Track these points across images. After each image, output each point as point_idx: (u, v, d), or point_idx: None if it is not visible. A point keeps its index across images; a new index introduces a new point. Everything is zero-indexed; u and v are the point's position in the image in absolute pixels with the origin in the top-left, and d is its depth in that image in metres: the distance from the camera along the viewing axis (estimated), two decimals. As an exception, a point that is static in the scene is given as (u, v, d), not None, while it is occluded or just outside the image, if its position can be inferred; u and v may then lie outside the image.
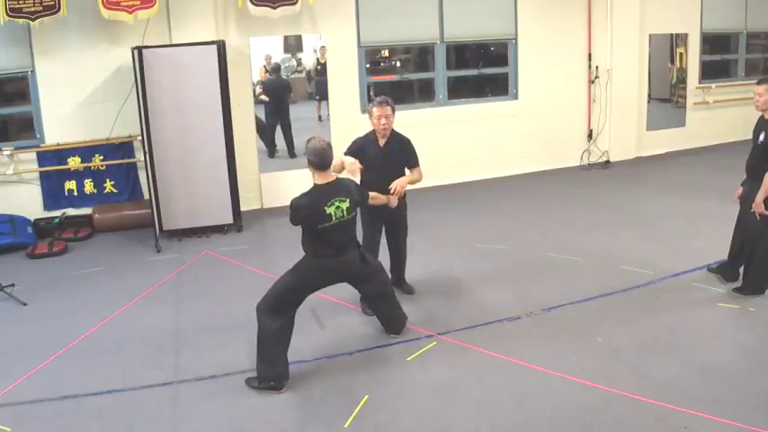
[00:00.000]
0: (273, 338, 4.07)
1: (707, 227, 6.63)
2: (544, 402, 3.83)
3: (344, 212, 4.09)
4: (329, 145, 4.10)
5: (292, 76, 8.39)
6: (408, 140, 5.12)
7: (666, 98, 10.28)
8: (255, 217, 7.83)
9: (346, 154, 4.92)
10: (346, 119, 8.05)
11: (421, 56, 9.20)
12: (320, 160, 4.05)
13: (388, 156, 5.00)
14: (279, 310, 4.09)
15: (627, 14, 9.40)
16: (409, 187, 5.17)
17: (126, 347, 4.71)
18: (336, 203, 4.06)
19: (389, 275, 5.03)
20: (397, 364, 4.37)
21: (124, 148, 7.64)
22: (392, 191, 4.89)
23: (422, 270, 5.76)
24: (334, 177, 4.18)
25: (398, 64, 9.08)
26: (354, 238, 4.29)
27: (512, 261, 6.09)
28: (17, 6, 6.70)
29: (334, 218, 4.05)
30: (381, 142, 5.02)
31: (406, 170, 5.14)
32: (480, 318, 4.93)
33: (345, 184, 4.24)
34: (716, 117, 10.43)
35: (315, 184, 4.12)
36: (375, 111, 4.93)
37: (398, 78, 8.92)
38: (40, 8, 6.77)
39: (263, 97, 8.18)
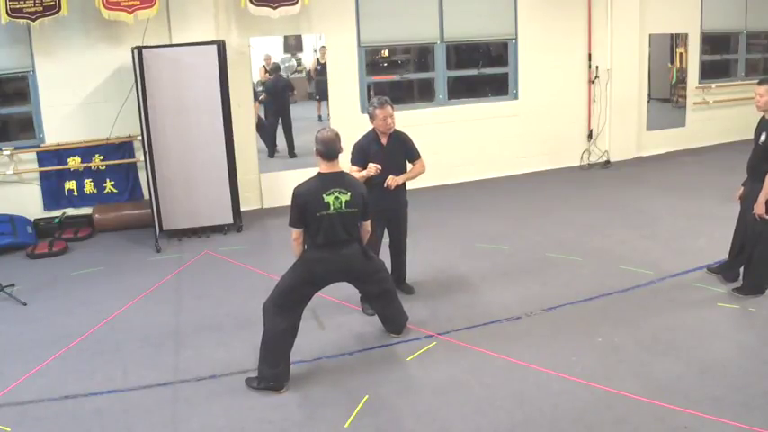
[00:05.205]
0: (278, 339, 4.07)
1: (707, 227, 6.63)
2: (544, 402, 3.83)
3: (343, 204, 4.07)
4: (337, 136, 4.12)
5: (292, 76, 8.40)
6: (406, 135, 5.19)
7: (666, 98, 10.28)
8: (255, 217, 7.83)
9: (353, 162, 4.95)
10: (346, 119, 8.04)
11: (421, 56, 9.20)
12: (327, 150, 4.07)
13: (390, 153, 5.03)
14: (285, 310, 4.09)
15: (627, 14, 9.40)
16: (411, 183, 5.20)
17: (126, 347, 4.71)
18: (336, 194, 4.06)
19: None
20: (397, 364, 4.37)
21: (124, 148, 7.64)
22: (386, 185, 4.96)
23: (422, 270, 5.76)
24: (340, 169, 4.17)
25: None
26: (356, 233, 4.25)
27: (512, 261, 6.09)
28: (18, 7, 6.70)
29: (332, 207, 4.04)
30: (383, 140, 5.04)
31: (408, 165, 5.20)
32: (480, 318, 4.93)
33: (350, 179, 4.24)
34: (716, 117, 10.43)
35: (318, 173, 4.13)
36: (378, 113, 4.95)
37: (398, 78, 8.92)
38: (41, 8, 6.77)
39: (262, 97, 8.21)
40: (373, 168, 4.85)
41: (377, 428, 3.69)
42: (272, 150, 8.36)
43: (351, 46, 8.38)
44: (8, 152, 7.24)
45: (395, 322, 4.70)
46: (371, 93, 8.51)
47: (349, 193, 4.10)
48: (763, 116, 4.96)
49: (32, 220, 7.35)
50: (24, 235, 7.01)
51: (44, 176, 7.47)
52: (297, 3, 7.55)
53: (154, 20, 7.20)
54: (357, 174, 4.82)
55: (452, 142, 8.86)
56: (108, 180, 7.67)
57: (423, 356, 4.43)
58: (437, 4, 8.64)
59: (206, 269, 6.24)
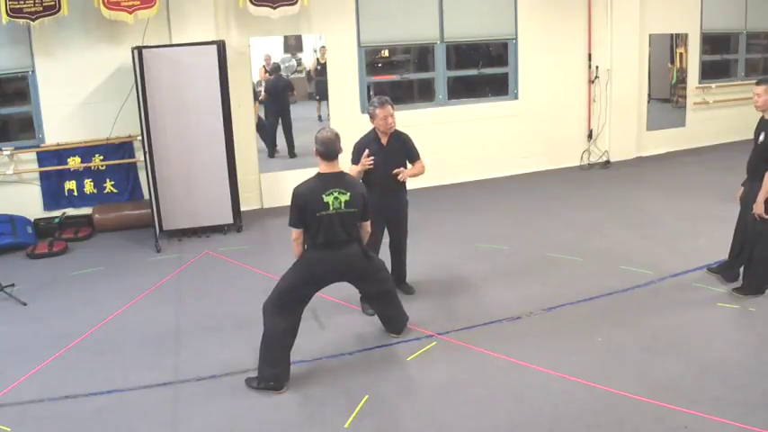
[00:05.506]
0: (278, 339, 4.07)
1: (707, 227, 6.62)
2: (544, 402, 3.84)
3: (342, 204, 4.06)
4: (337, 136, 4.11)
5: (292, 76, 8.40)
6: (407, 135, 5.20)
7: (666, 98, 10.28)
8: (255, 217, 7.83)
9: (354, 162, 4.96)
10: (346, 119, 8.04)
11: (421, 56, 9.20)
12: (326, 150, 4.07)
13: (390, 153, 5.03)
14: (285, 310, 4.09)
15: (627, 14, 9.40)
16: (411, 184, 5.20)
17: (126, 347, 4.71)
18: (335, 194, 4.05)
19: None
20: (397, 364, 4.37)
21: (124, 148, 7.64)
22: (398, 175, 4.97)
23: (422, 270, 5.76)
24: (340, 170, 4.16)
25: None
26: (355, 233, 4.24)
27: (512, 261, 6.09)
28: (18, 6, 6.70)
29: (331, 207, 4.04)
30: (383, 140, 5.04)
31: (408, 165, 5.20)
32: (480, 318, 4.93)
33: (350, 180, 4.24)
34: (716, 117, 10.43)
35: (318, 173, 4.13)
36: (379, 112, 4.96)
37: (398, 78, 8.92)
38: (41, 8, 6.77)
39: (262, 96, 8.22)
40: (366, 159, 4.84)
41: (377, 428, 3.69)
42: (272, 150, 8.36)
43: (351, 46, 8.37)
44: (8, 152, 7.24)
45: (395, 322, 4.70)
46: (371, 93, 8.51)
47: (348, 194, 4.09)
48: (763, 116, 4.96)
49: (32, 220, 7.35)
50: (24, 235, 7.01)
51: (44, 176, 7.47)
52: (296, 3, 7.55)
53: (154, 20, 7.21)
54: (354, 170, 4.83)
55: (452, 142, 8.86)
56: (108, 180, 7.67)
57: (423, 356, 4.43)
58: (437, 4, 8.64)
59: (206, 269, 6.24)
